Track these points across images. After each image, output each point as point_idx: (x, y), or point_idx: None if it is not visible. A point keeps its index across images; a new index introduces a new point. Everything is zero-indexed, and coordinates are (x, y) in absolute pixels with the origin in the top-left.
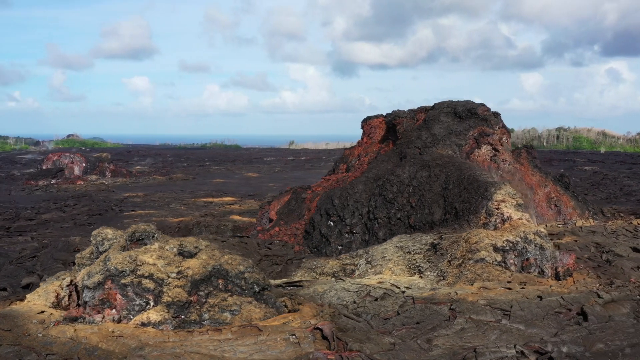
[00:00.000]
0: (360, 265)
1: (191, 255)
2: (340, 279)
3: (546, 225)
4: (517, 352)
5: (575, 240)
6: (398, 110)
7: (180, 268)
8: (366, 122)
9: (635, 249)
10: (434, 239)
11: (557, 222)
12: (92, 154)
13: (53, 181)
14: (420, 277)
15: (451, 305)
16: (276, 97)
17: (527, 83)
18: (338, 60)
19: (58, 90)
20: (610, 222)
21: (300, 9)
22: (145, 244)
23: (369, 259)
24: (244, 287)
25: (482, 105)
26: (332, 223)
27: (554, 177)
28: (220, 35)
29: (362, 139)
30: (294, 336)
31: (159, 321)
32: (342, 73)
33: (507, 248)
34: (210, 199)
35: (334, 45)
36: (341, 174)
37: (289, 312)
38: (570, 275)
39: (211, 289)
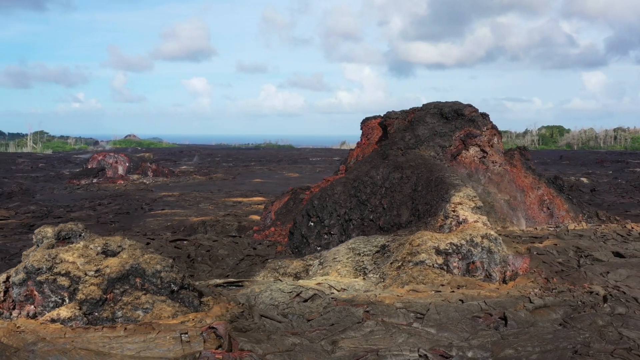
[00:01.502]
0: (314, 266)
1: (114, 254)
2: (279, 279)
3: (536, 228)
4: (420, 355)
5: (556, 244)
6: (392, 111)
7: (99, 266)
8: (364, 123)
9: (617, 254)
10: (387, 241)
11: (548, 225)
12: (140, 154)
13: (95, 180)
14: (364, 278)
15: (367, 307)
16: (332, 97)
17: (590, 82)
18: (394, 60)
19: (119, 91)
20: (603, 226)
21: (357, 9)
22: (72, 242)
23: (322, 260)
24: (160, 286)
25: (469, 106)
26: (312, 224)
27: (547, 179)
28: (276, 36)
29: (361, 140)
30: (186, 335)
31: (68, 317)
32: (399, 73)
33: (450, 251)
34: (240, 199)
35: (390, 45)
36: (340, 175)
37: (202, 312)
38: (513, 279)
39: (127, 287)
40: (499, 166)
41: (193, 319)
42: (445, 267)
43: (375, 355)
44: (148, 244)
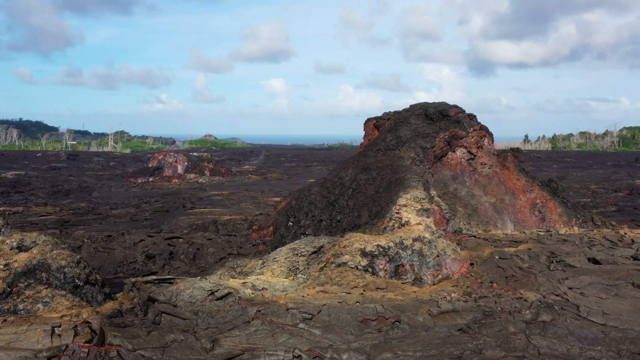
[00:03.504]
0: (257, 266)
1: (27, 249)
2: (204, 278)
3: (524, 232)
4: (294, 356)
5: (530, 249)
6: (387, 112)
7: (9, 261)
8: (366, 124)
9: (593, 260)
10: (326, 243)
11: (539, 229)
12: (204, 153)
13: (151, 179)
14: (293, 279)
15: (260, 307)
16: (410, 98)
17: None
18: (474, 60)
19: (200, 92)
20: (595, 231)
21: (436, 7)
22: None
23: (265, 260)
24: (63, 281)
25: (455, 106)
26: (291, 224)
27: (541, 182)
28: (355, 36)
29: (363, 140)
30: (59, 328)
31: None
32: (479, 72)
33: (377, 253)
34: (280, 199)
35: (470, 44)
36: None
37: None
38: (436, 284)
39: (32, 281)
40: (489, 168)
41: (70, 313)
42: (370, 270)
43: (250, 354)
44: (142, 240)
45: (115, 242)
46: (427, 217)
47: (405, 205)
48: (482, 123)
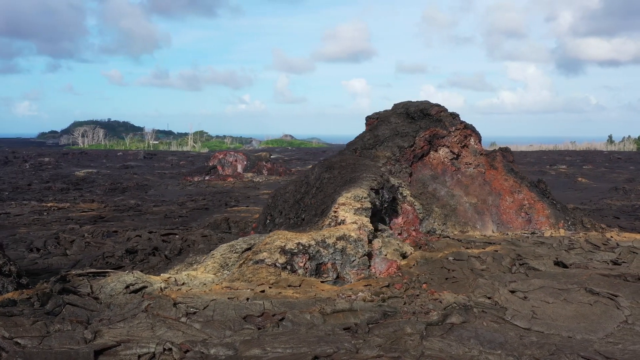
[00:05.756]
0: (198, 262)
1: None
2: (130, 272)
3: (507, 234)
4: (165, 348)
5: (497, 250)
6: (378, 111)
7: None
8: (367, 121)
9: (561, 264)
10: (259, 240)
11: (524, 230)
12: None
13: (207, 177)
14: (221, 274)
15: (152, 300)
16: (494, 98)
17: None
18: (562, 57)
19: (282, 92)
20: (581, 234)
21: (522, 4)
22: None
23: (208, 256)
24: None
25: (437, 105)
26: (268, 221)
27: (530, 183)
28: (437, 35)
29: None
30: None
31: None
32: (567, 71)
33: (297, 251)
34: None
35: (558, 42)
36: None
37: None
38: (352, 282)
39: None
40: (474, 168)
41: None
42: (288, 267)
43: (125, 346)
44: (139, 236)
45: (114, 237)
46: (366, 216)
47: (344, 204)
48: (466, 122)
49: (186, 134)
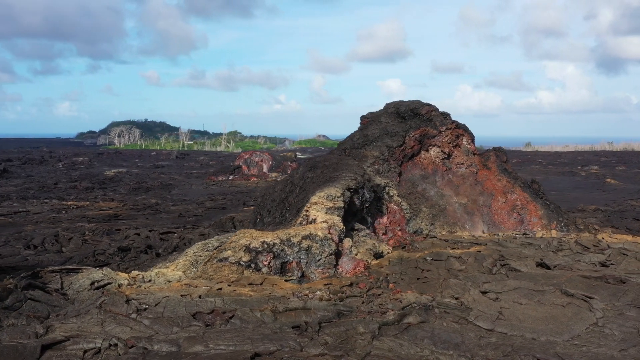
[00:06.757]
0: (175, 260)
1: None
2: (100, 269)
3: (497, 234)
4: (111, 344)
5: (480, 251)
6: (372, 111)
7: None
8: (361, 120)
9: (543, 265)
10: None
11: (516, 231)
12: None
13: (230, 177)
14: (190, 272)
15: (108, 296)
16: (531, 97)
17: None
18: (602, 56)
19: (317, 93)
20: (573, 235)
21: (561, 2)
22: None
23: (182, 254)
24: None
25: (428, 105)
26: (257, 220)
27: (524, 183)
28: (474, 35)
29: None
30: None
31: None
32: (607, 70)
33: (261, 249)
34: None
35: (598, 40)
36: None
37: None
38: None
39: None
40: (465, 168)
41: None
42: (252, 265)
43: (73, 341)
44: (137, 234)
45: (114, 235)
46: (338, 215)
47: (315, 203)
48: (458, 121)
49: (220, 134)
